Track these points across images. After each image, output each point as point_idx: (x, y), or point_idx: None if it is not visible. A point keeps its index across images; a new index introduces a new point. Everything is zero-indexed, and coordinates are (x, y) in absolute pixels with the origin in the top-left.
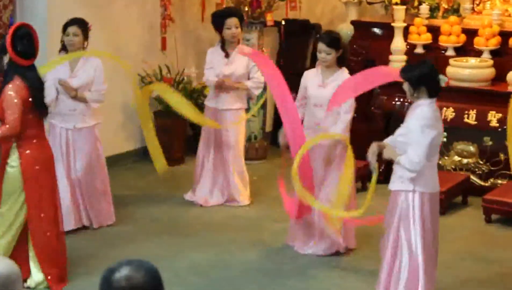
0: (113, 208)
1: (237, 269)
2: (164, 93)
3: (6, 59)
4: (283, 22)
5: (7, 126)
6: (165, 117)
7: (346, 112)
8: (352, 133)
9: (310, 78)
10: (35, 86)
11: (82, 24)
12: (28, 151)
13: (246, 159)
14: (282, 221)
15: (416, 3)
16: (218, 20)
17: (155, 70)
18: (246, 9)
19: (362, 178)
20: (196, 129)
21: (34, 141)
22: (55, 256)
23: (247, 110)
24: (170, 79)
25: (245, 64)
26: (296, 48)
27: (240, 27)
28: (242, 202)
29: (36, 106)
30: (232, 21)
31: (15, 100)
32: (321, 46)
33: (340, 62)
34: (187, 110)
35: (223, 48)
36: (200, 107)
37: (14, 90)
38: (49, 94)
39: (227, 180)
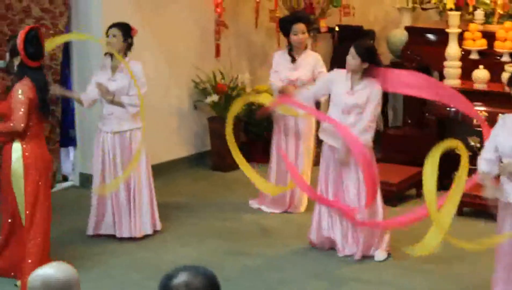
0: (157, 215)
1: (290, 274)
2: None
3: (16, 61)
4: (336, 28)
5: (13, 122)
6: (218, 123)
7: (368, 112)
8: (405, 139)
9: (339, 82)
10: (41, 86)
11: (123, 27)
12: (31, 149)
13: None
14: None
15: (471, 9)
16: (286, 25)
17: (209, 76)
18: None
19: (416, 185)
20: (249, 136)
21: (36, 140)
22: (46, 258)
23: None
24: (224, 85)
25: (311, 69)
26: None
27: (307, 32)
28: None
29: (40, 107)
30: (299, 27)
31: (23, 99)
32: (350, 50)
33: (370, 74)
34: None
35: (290, 53)
36: (253, 113)
37: (22, 89)
38: (90, 95)
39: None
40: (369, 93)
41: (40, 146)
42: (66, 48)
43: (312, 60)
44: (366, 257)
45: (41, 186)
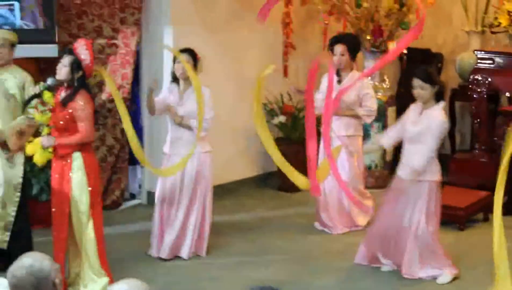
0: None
1: None
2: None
3: (77, 75)
4: (404, 51)
5: (83, 133)
6: (285, 144)
7: (429, 148)
8: (473, 163)
9: (411, 113)
10: (94, 98)
11: (191, 52)
12: (89, 157)
13: (365, 187)
14: None
15: None
16: (330, 45)
17: (276, 97)
18: (368, 37)
19: (483, 209)
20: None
21: (91, 148)
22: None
23: (364, 137)
24: (291, 106)
25: (356, 92)
26: None
27: (347, 53)
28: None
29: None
30: (338, 48)
31: (87, 110)
32: (415, 81)
33: (438, 98)
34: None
35: (338, 73)
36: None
37: (85, 101)
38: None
39: (348, 206)
40: (430, 122)
41: (94, 155)
42: (137, 67)
43: (357, 82)
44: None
45: (98, 193)
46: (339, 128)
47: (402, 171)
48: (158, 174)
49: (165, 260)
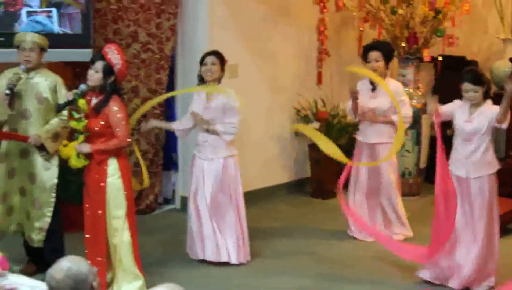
0: (247, 244)
1: None
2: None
3: (109, 80)
4: (439, 58)
5: (120, 139)
6: (319, 151)
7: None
8: (508, 171)
9: (459, 112)
10: (127, 103)
11: (219, 55)
12: (124, 161)
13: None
14: None
15: None
16: (364, 52)
17: (310, 103)
18: (403, 44)
19: None
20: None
21: (124, 153)
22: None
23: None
24: (325, 112)
25: (390, 98)
26: (451, 84)
27: (383, 60)
28: (398, 237)
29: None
30: (372, 55)
31: (122, 115)
32: (467, 85)
33: (485, 96)
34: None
35: (371, 81)
36: (354, 141)
37: (118, 106)
38: (182, 126)
39: (385, 215)
40: (488, 117)
41: (127, 159)
42: (171, 72)
43: (392, 88)
44: None
45: (132, 197)
46: (375, 136)
47: (461, 170)
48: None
49: (201, 263)
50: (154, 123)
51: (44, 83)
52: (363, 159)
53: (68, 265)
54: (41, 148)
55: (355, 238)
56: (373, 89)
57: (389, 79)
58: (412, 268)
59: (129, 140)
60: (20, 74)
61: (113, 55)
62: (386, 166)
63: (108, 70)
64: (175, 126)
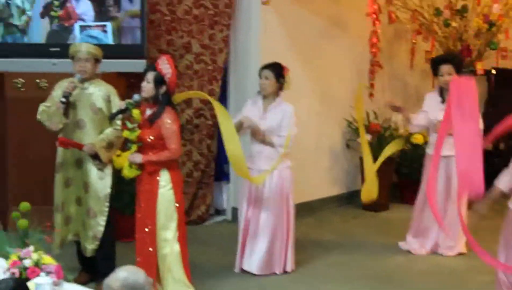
0: (292, 255)
1: None
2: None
3: (161, 90)
4: (493, 71)
5: (172, 151)
6: None
7: None
8: None
9: None
10: (180, 114)
11: (275, 68)
12: (176, 173)
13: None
14: (491, 274)
15: None
16: (434, 65)
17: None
18: None
19: None
20: (401, 177)
21: (177, 165)
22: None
23: None
24: (377, 125)
25: None
26: (504, 98)
27: (454, 73)
28: (454, 251)
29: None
30: (445, 68)
31: (174, 127)
32: None
33: None
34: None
35: (440, 93)
36: (406, 154)
37: (171, 119)
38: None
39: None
40: None
41: (180, 171)
42: (224, 83)
43: None
44: None
45: (183, 208)
46: (444, 148)
47: None
48: (251, 181)
49: (250, 274)
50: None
51: (98, 93)
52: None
53: (125, 275)
54: (95, 157)
55: (409, 251)
56: (443, 101)
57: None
58: (461, 281)
59: (180, 152)
60: (76, 84)
61: (164, 65)
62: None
63: (159, 80)
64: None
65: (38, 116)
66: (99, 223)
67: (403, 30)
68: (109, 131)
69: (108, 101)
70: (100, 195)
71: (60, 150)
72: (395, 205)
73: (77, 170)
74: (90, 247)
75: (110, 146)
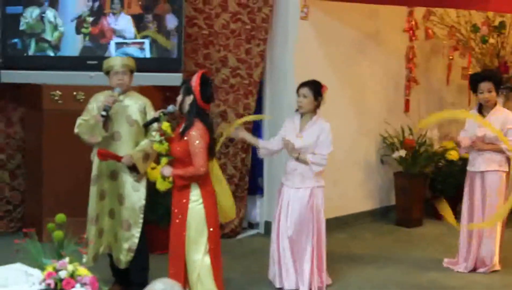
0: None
1: None
2: None
3: (188, 100)
4: None
5: (196, 167)
6: (404, 178)
7: None
8: None
9: None
10: (212, 129)
11: (314, 86)
12: (208, 188)
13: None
14: None
15: None
16: (473, 82)
17: (397, 130)
18: None
19: None
20: (435, 193)
21: (209, 181)
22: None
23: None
24: (412, 140)
25: (499, 126)
26: None
27: (494, 91)
28: (491, 267)
29: (211, 148)
30: (485, 86)
31: (202, 143)
32: None
33: None
34: None
35: (479, 110)
36: (440, 170)
37: (199, 134)
38: (270, 146)
39: (479, 244)
40: None
41: (211, 186)
42: (260, 97)
43: (501, 117)
44: None
45: (216, 224)
46: (482, 164)
47: None
48: None
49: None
50: (243, 134)
51: (134, 105)
52: (476, 189)
53: (162, 287)
54: (132, 168)
55: (447, 268)
56: (482, 117)
57: (498, 106)
58: None
59: (204, 169)
60: (116, 97)
61: (194, 77)
62: (493, 196)
63: (187, 90)
64: (262, 144)
65: (76, 130)
66: (134, 235)
67: (440, 46)
68: (144, 142)
69: (144, 113)
70: (135, 207)
71: (95, 163)
72: (429, 221)
73: (112, 182)
74: (124, 259)
75: (146, 157)
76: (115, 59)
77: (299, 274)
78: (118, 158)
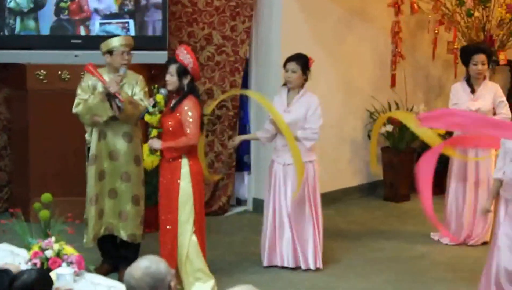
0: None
1: None
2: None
3: (185, 80)
4: None
5: (189, 137)
6: (391, 154)
7: None
8: None
9: None
10: (202, 104)
11: (301, 61)
12: (195, 163)
13: None
14: None
15: None
16: (466, 55)
17: (383, 106)
18: None
19: None
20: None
21: (196, 154)
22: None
23: None
24: None
25: (491, 100)
26: None
27: (487, 64)
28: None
29: (202, 123)
30: (479, 58)
31: (193, 114)
32: None
33: None
34: None
35: (468, 83)
36: (427, 145)
37: (191, 105)
38: (267, 132)
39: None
40: None
41: (198, 160)
42: (246, 74)
43: (491, 90)
44: None
45: (202, 201)
46: None
47: None
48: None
49: (272, 266)
50: (241, 137)
51: (129, 83)
52: (459, 177)
53: (147, 264)
54: (111, 97)
55: (438, 241)
56: (473, 91)
57: (487, 81)
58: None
59: (196, 140)
60: (123, 77)
61: (184, 55)
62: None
63: (182, 71)
64: (260, 134)
65: (75, 110)
66: (143, 208)
67: (425, 20)
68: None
69: (133, 86)
70: (140, 181)
71: (94, 142)
72: (417, 195)
73: (111, 162)
74: (138, 232)
75: (131, 103)
76: (118, 39)
77: (302, 252)
78: (103, 81)
